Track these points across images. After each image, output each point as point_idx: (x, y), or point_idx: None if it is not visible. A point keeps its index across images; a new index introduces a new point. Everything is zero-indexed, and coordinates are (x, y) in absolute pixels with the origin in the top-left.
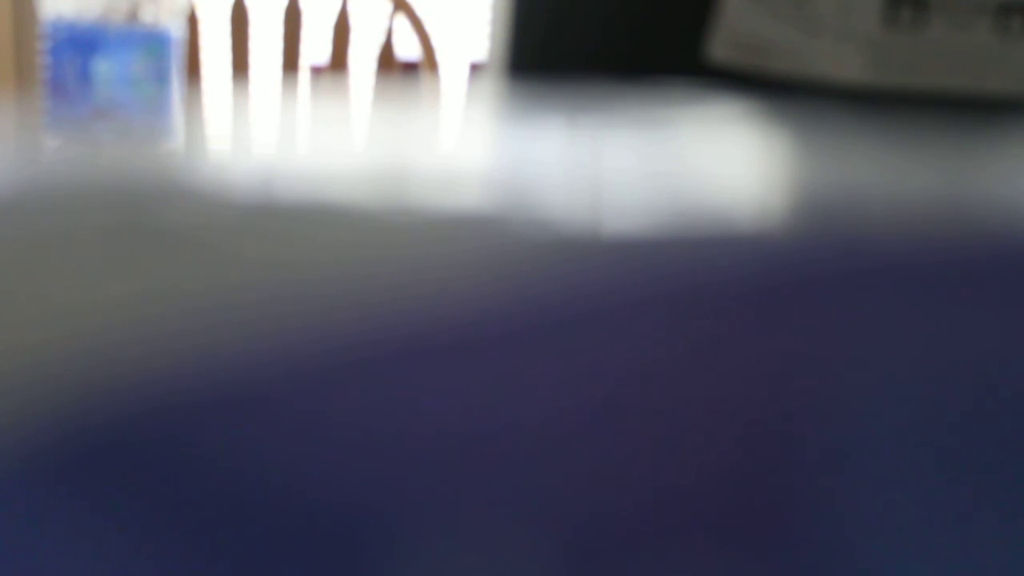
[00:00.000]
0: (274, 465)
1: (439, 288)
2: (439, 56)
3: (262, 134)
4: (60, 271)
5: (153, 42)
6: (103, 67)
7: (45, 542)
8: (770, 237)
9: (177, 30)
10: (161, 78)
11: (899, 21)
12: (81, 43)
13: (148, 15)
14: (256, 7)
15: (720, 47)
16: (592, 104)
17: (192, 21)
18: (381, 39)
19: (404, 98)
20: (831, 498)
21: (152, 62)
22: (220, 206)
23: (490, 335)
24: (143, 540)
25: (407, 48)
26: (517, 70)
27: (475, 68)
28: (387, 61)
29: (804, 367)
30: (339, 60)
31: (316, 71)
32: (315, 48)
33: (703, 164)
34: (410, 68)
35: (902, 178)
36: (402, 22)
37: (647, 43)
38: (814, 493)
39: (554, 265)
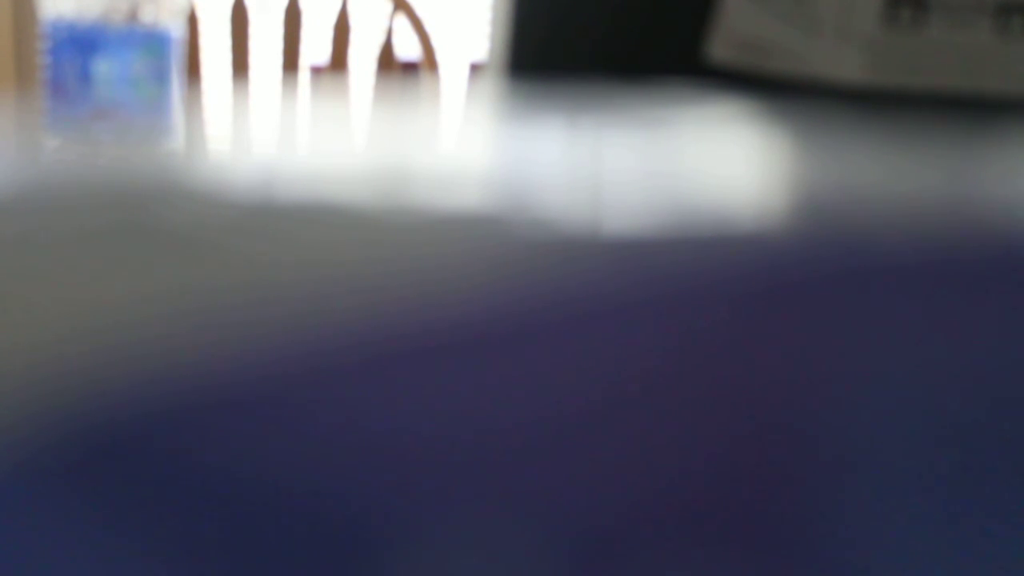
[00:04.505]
0: (274, 464)
1: (439, 288)
2: (439, 56)
3: (262, 134)
4: (60, 271)
5: (153, 42)
6: (103, 67)
7: (45, 542)
8: (770, 237)
9: (177, 30)
10: (161, 78)
11: (899, 21)
12: (81, 43)
13: (148, 15)
14: (256, 7)
15: (720, 47)
16: (592, 104)
17: (192, 21)
18: (381, 39)
19: (404, 98)
20: (832, 498)
21: (152, 62)
22: (220, 206)
23: (490, 335)
24: (143, 540)
25: (407, 48)
26: (517, 70)
27: (475, 68)
28: (387, 61)
29: (804, 367)
30: (339, 60)
31: (316, 71)
32: (315, 48)
33: (703, 164)
34: (410, 68)
35: (902, 178)
36: (402, 22)
37: (647, 43)
38: (815, 493)
39: (554, 265)
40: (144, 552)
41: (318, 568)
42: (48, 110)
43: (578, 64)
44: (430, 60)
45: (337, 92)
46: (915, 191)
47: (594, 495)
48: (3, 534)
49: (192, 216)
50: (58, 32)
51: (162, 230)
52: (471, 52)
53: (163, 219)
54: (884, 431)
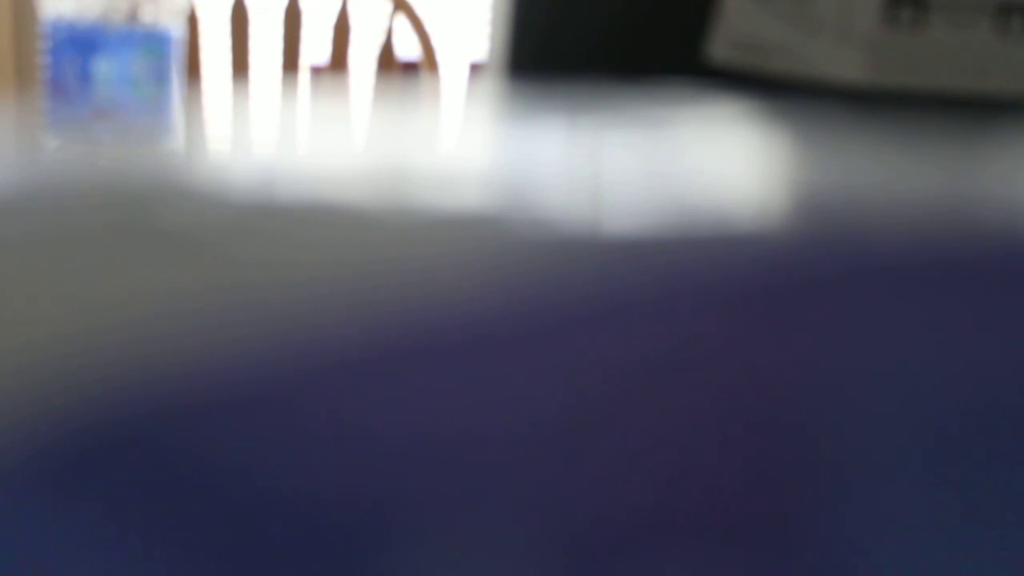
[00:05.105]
0: (274, 465)
1: (439, 288)
2: (439, 56)
3: (262, 134)
4: (60, 271)
5: (153, 42)
6: (103, 67)
7: (45, 542)
8: (770, 237)
9: (177, 30)
10: (161, 78)
11: (899, 21)
12: (81, 43)
13: (148, 15)
14: (256, 7)
15: (720, 47)
16: (592, 104)
17: (192, 21)
18: (381, 39)
19: (404, 98)
20: (832, 498)
21: (152, 62)
22: (220, 206)
23: (490, 335)
24: (142, 540)
25: (407, 48)
26: (517, 70)
27: (475, 68)
28: (387, 61)
29: (804, 367)
30: (339, 60)
31: (316, 71)
32: (315, 48)
33: (703, 164)
34: (410, 68)
35: (902, 178)
36: (402, 22)
37: (647, 43)
38: (815, 493)
39: (554, 265)
40: (144, 552)
41: (318, 568)
42: (48, 110)
43: (578, 64)
44: (430, 60)
45: (337, 92)
46: (915, 191)
47: (595, 495)
48: (3, 534)
49: (192, 216)
50: (58, 32)
51: (162, 230)
52: (471, 52)
53: (163, 219)
54: (885, 431)
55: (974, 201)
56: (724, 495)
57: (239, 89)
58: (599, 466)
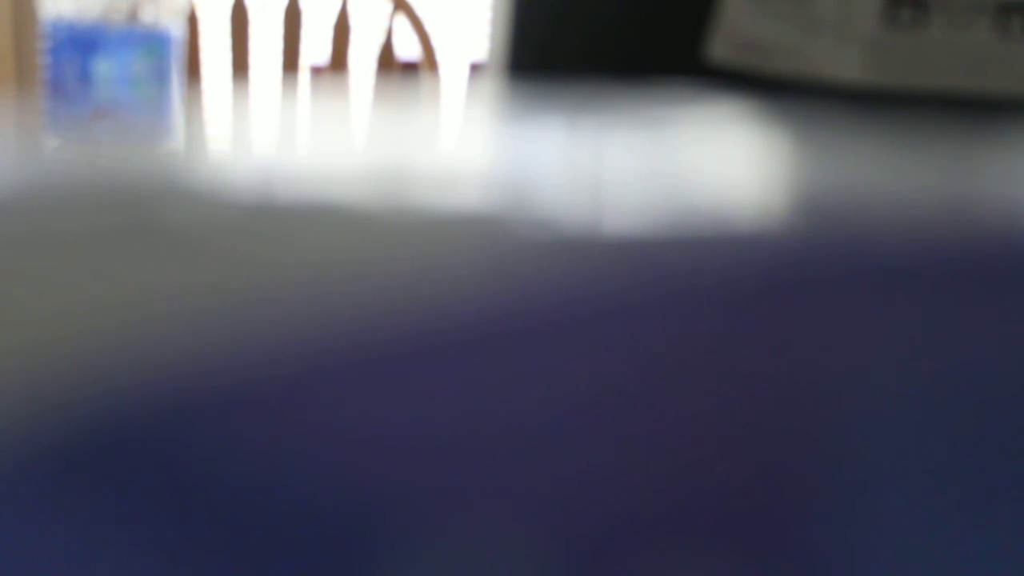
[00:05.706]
0: (274, 465)
1: (439, 288)
2: (439, 56)
3: (262, 134)
4: (60, 271)
5: (153, 42)
6: (103, 67)
7: (44, 543)
8: (770, 237)
9: (177, 30)
10: (161, 78)
11: (899, 21)
12: (81, 43)
13: (148, 15)
14: (256, 7)
15: (720, 47)
16: (592, 104)
17: (192, 21)
18: (381, 39)
19: (404, 98)
20: (831, 499)
21: (152, 62)
22: (220, 206)
23: (490, 335)
24: (142, 541)
25: (407, 48)
26: (517, 70)
27: (475, 68)
28: (387, 61)
29: (804, 367)
30: (339, 60)
31: (316, 71)
32: (315, 48)
33: (703, 164)
34: (410, 68)
35: (902, 178)
36: (402, 22)
37: (647, 43)
38: (815, 494)
39: (554, 265)
40: (144, 552)
41: (319, 568)
42: (48, 110)
43: (578, 64)
44: (430, 60)
45: (337, 92)
46: (915, 191)
47: (595, 495)
48: (3, 534)
49: (192, 216)
50: (58, 32)
51: (162, 230)
52: (471, 52)
53: (163, 219)
54: (886, 432)
55: (974, 201)
56: (725, 495)
57: (239, 89)
58: (600, 466)
